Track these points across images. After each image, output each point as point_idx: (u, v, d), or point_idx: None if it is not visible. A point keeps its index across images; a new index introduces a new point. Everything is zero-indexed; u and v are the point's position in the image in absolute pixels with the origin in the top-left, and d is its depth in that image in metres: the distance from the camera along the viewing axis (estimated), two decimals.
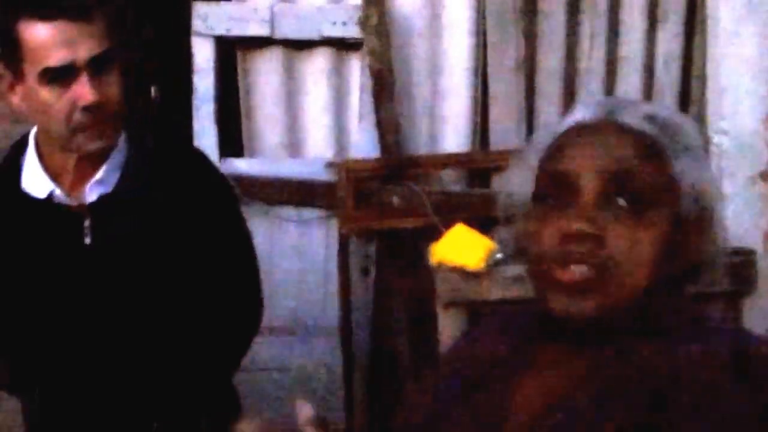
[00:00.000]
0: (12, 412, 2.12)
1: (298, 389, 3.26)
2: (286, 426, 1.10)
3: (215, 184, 2.01)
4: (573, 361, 1.13)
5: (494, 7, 3.22)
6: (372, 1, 3.16)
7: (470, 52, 3.25)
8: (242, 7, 3.27)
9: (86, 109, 1.77)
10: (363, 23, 3.17)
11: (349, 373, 3.24)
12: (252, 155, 3.33)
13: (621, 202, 1.08)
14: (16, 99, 1.82)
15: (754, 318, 2.80)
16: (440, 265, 2.82)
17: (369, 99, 3.19)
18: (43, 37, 1.74)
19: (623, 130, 1.10)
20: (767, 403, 1.03)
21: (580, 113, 1.15)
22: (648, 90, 3.25)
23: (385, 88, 3.15)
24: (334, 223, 3.21)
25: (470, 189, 3.24)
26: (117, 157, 1.89)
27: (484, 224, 2.86)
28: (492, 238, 2.81)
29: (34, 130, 1.92)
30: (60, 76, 1.76)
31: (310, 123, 3.33)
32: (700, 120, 3.05)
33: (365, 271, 3.24)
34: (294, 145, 3.34)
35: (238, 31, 3.26)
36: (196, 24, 3.26)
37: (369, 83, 3.18)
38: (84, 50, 1.75)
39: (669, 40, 3.25)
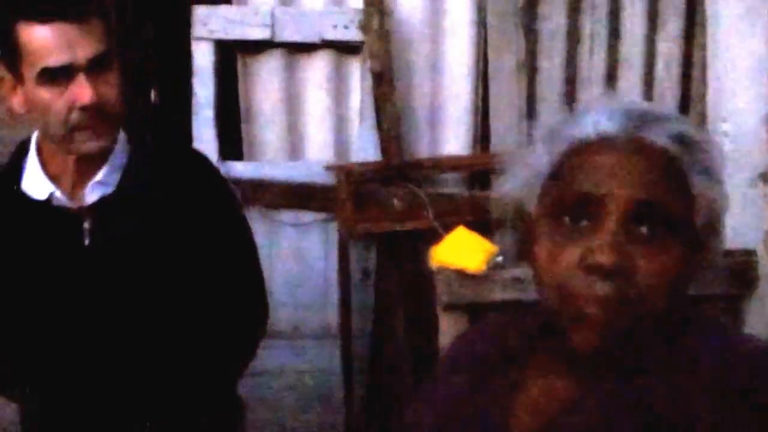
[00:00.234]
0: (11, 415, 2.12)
1: (298, 393, 3.26)
2: None
3: (216, 187, 2.01)
4: (575, 373, 1.11)
5: (495, 9, 3.23)
6: (373, 4, 3.16)
7: (471, 54, 3.26)
8: (242, 10, 3.27)
9: (84, 109, 1.78)
10: (364, 26, 3.17)
11: (348, 376, 3.24)
12: (252, 159, 3.33)
13: (644, 230, 1.04)
14: (16, 102, 1.83)
15: (755, 319, 2.79)
16: (441, 268, 2.81)
17: (369, 102, 3.19)
18: (42, 39, 1.76)
19: (651, 149, 1.06)
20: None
21: (602, 123, 1.08)
22: (648, 92, 3.26)
23: (386, 91, 3.15)
24: (334, 227, 3.20)
25: (471, 192, 3.24)
26: (117, 158, 1.90)
27: (485, 227, 2.86)
28: (492, 240, 2.81)
29: (36, 133, 1.93)
30: (58, 77, 1.77)
31: (310, 126, 3.33)
32: (701, 122, 3.04)
33: (365, 275, 3.24)
34: (294, 148, 3.34)
35: (238, 34, 3.26)
36: (196, 28, 3.26)
37: (369, 86, 3.18)
38: (82, 51, 1.76)
39: (669, 42, 3.25)
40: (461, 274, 2.77)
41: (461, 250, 2.79)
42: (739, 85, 2.95)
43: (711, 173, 1.08)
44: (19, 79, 1.81)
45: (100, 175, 1.88)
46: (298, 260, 3.25)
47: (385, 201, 3.14)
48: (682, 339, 1.10)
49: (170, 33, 3.89)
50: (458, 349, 1.29)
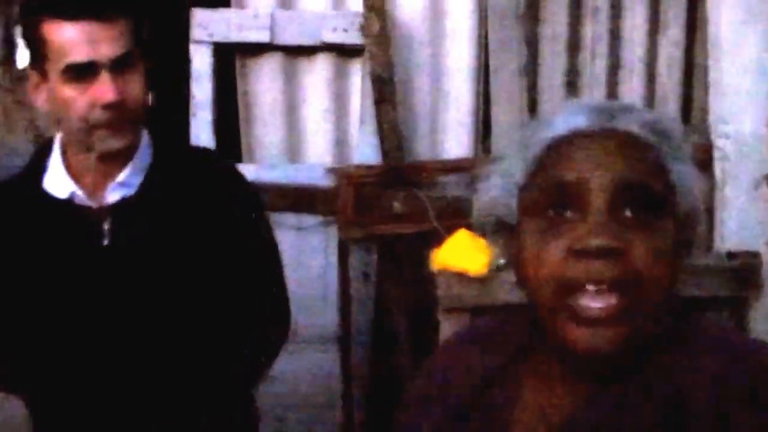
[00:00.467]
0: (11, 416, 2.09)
1: (297, 397, 3.24)
2: None
3: (240, 190, 2.00)
4: (575, 380, 1.09)
5: (496, 12, 3.23)
6: (373, 8, 3.16)
7: (472, 57, 3.26)
8: (242, 13, 3.27)
9: (106, 107, 1.79)
10: (364, 29, 3.17)
11: (348, 381, 3.22)
12: (251, 162, 3.32)
13: (628, 213, 1.02)
14: (41, 99, 1.85)
15: (760, 321, 2.79)
16: (442, 271, 2.80)
17: (370, 105, 3.18)
18: (67, 36, 1.77)
19: (627, 136, 1.05)
20: None
21: (574, 120, 1.08)
22: (650, 95, 3.27)
23: (387, 94, 3.14)
24: (334, 230, 3.20)
25: (472, 194, 3.22)
26: (140, 159, 1.90)
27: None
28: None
29: (60, 133, 1.93)
30: (82, 74, 1.78)
31: (310, 129, 3.33)
32: (703, 124, 3.05)
33: (366, 278, 3.22)
34: (294, 151, 3.33)
35: (237, 37, 3.26)
36: (195, 31, 3.25)
37: (370, 89, 3.17)
38: (106, 50, 1.78)
39: (671, 45, 3.26)
40: (463, 277, 2.76)
41: (462, 253, 2.79)
42: (740, 87, 2.96)
43: (685, 159, 1.08)
44: (43, 76, 1.82)
45: (122, 176, 1.88)
46: (298, 263, 3.23)
47: (386, 204, 3.13)
48: (682, 340, 1.09)
49: (168, 36, 3.88)
50: (424, 387, 1.24)
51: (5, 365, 1.99)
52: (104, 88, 1.77)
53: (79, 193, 1.88)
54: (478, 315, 2.78)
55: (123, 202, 1.88)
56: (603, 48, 3.27)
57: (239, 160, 3.32)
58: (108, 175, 1.88)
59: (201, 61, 3.25)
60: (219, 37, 3.25)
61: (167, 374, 1.90)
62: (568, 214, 1.04)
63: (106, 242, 1.88)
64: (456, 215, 3.04)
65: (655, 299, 1.02)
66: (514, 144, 1.12)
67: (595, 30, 3.28)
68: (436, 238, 2.92)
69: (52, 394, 1.94)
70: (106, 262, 1.88)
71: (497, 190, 1.11)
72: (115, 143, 1.84)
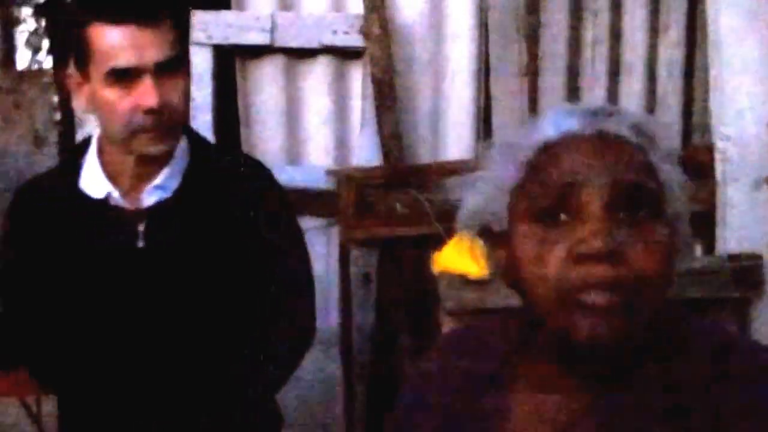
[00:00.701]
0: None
1: (299, 400, 3.23)
2: None
3: (275, 196, 2.02)
4: (573, 384, 1.09)
5: (496, 15, 3.23)
6: (374, 10, 3.16)
7: (472, 59, 3.26)
8: (242, 16, 3.27)
9: (148, 112, 1.80)
10: (364, 32, 3.17)
11: (349, 382, 3.22)
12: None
13: (622, 215, 1.02)
14: (82, 99, 1.86)
15: (762, 323, 2.79)
16: (443, 274, 2.80)
17: (370, 107, 3.18)
18: (113, 40, 1.79)
19: (618, 139, 1.06)
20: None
21: (566, 123, 1.08)
22: (651, 97, 3.27)
23: (387, 96, 3.14)
24: (335, 232, 3.20)
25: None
26: (178, 163, 1.91)
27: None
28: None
29: (97, 132, 1.95)
30: (125, 79, 1.79)
31: (310, 131, 3.32)
32: (704, 126, 3.05)
33: (367, 280, 3.22)
34: (294, 154, 3.33)
35: (237, 39, 3.26)
36: (195, 33, 3.25)
37: (370, 91, 3.17)
38: (150, 55, 1.79)
39: (671, 47, 3.26)
40: (464, 280, 2.76)
41: (464, 256, 2.78)
42: (741, 89, 2.96)
43: (672, 160, 1.08)
44: (85, 77, 1.83)
45: (159, 179, 1.89)
46: None
47: (387, 206, 3.13)
48: (682, 343, 1.09)
49: None
50: (420, 389, 1.23)
51: (39, 359, 2.00)
52: (147, 93, 1.78)
53: (115, 194, 1.90)
54: (479, 317, 2.78)
55: (159, 204, 1.89)
56: (603, 49, 3.27)
57: None
58: (145, 177, 1.89)
59: (201, 63, 3.25)
60: (219, 39, 3.25)
61: (196, 375, 1.91)
62: (563, 217, 1.04)
63: (140, 244, 1.89)
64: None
65: (653, 297, 1.03)
66: (502, 150, 1.12)
67: (595, 31, 3.28)
68: (437, 241, 2.92)
69: (83, 391, 1.95)
70: (139, 263, 1.89)
71: (484, 196, 1.11)
72: (156, 148, 1.85)
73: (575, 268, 1.01)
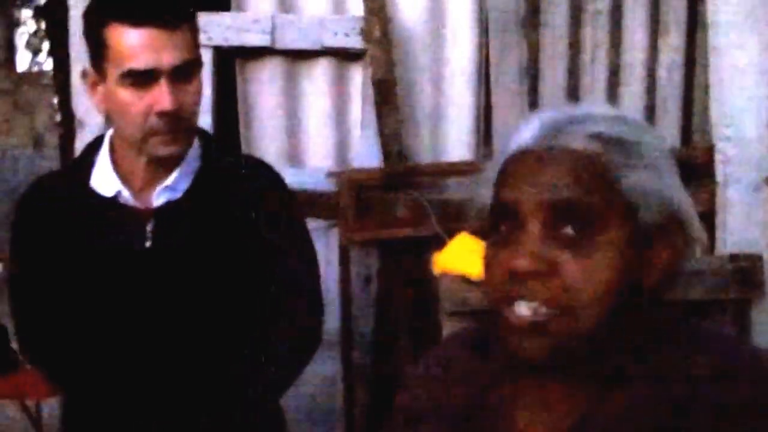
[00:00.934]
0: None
1: (298, 401, 3.23)
2: None
3: (283, 198, 2.02)
4: (570, 395, 1.10)
5: (497, 17, 3.24)
6: (374, 12, 3.16)
7: (473, 61, 3.26)
8: (242, 17, 3.27)
9: (162, 114, 1.80)
10: (365, 33, 3.17)
11: (349, 383, 3.22)
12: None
13: (568, 230, 1.04)
14: (96, 99, 1.87)
15: (762, 324, 2.79)
16: (444, 275, 2.80)
17: (371, 109, 3.19)
18: (131, 41, 1.79)
19: (564, 154, 1.05)
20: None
21: (523, 137, 1.09)
22: (651, 98, 3.27)
23: (388, 98, 3.15)
24: (336, 233, 3.19)
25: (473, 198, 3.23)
26: (190, 165, 1.92)
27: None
28: None
29: (110, 131, 1.96)
30: (141, 80, 1.80)
31: (311, 133, 3.33)
32: (704, 127, 3.05)
33: (367, 281, 3.22)
34: (295, 155, 3.33)
35: (237, 41, 3.26)
36: None
37: (371, 93, 3.18)
38: (168, 58, 1.79)
39: (671, 49, 3.27)
40: (464, 281, 2.76)
41: (464, 257, 2.79)
42: (741, 90, 2.97)
43: (647, 164, 1.07)
44: (101, 76, 1.84)
45: (170, 180, 1.89)
46: None
47: (388, 207, 3.13)
48: (681, 346, 1.09)
49: None
50: (422, 388, 1.24)
51: (48, 357, 2.01)
52: (162, 96, 1.79)
53: (125, 193, 1.90)
54: (480, 318, 2.78)
55: (168, 205, 1.90)
56: (603, 52, 3.28)
57: None
58: (156, 178, 1.90)
59: None
60: (219, 41, 3.25)
61: (200, 375, 1.91)
62: (513, 231, 1.06)
63: (148, 244, 1.89)
64: (457, 219, 3.05)
65: (589, 313, 1.03)
66: (497, 153, 1.15)
67: (595, 34, 3.28)
68: (437, 242, 2.92)
69: (90, 389, 1.96)
70: (147, 263, 1.90)
71: (485, 192, 1.13)
72: (168, 150, 1.85)
73: (510, 281, 1.04)
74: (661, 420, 1.04)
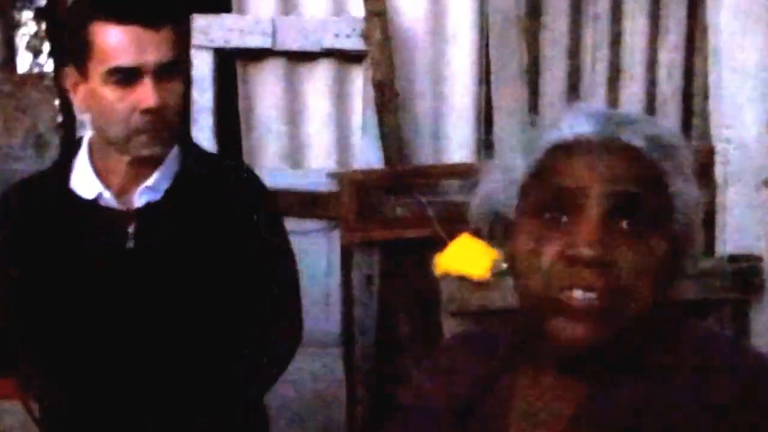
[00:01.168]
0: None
1: (300, 402, 3.24)
2: None
3: (262, 200, 2.01)
4: (567, 392, 1.10)
5: (497, 18, 3.24)
6: (375, 13, 3.17)
7: (473, 62, 3.27)
8: (243, 19, 3.28)
9: (146, 113, 1.80)
10: (366, 35, 3.17)
11: (351, 384, 3.22)
12: (252, 167, 3.32)
13: (624, 224, 1.05)
14: (79, 98, 1.86)
15: (761, 324, 2.80)
16: (445, 276, 2.81)
17: (371, 110, 3.19)
18: (115, 39, 1.78)
19: (628, 149, 1.07)
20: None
21: (578, 126, 1.10)
22: (651, 100, 3.28)
23: (388, 99, 3.15)
24: (337, 234, 3.20)
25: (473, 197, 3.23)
26: (170, 165, 1.91)
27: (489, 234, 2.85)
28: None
29: (89, 133, 1.94)
30: (125, 78, 1.79)
31: (311, 134, 3.33)
32: (704, 129, 3.06)
33: (368, 282, 3.23)
34: (296, 157, 3.34)
35: (238, 43, 3.27)
36: (196, 37, 3.26)
37: (371, 94, 3.18)
38: (152, 56, 1.78)
39: (671, 51, 3.27)
40: (465, 281, 2.77)
41: (465, 257, 2.80)
42: (741, 92, 2.97)
43: (686, 175, 1.10)
44: (84, 75, 1.82)
45: (151, 181, 1.88)
46: (300, 268, 3.23)
47: (388, 208, 3.14)
48: (679, 345, 1.10)
49: None
50: (424, 387, 1.25)
51: (25, 363, 1.99)
52: (146, 94, 1.78)
53: (106, 194, 1.89)
54: (481, 319, 2.79)
55: (149, 206, 1.89)
56: (603, 53, 3.28)
57: None
58: (137, 179, 1.89)
59: (202, 66, 3.26)
60: (220, 43, 3.26)
61: (183, 376, 1.91)
62: (564, 218, 1.06)
63: (130, 245, 1.88)
64: (458, 220, 3.04)
65: (635, 309, 1.04)
66: (519, 142, 1.14)
67: (595, 35, 3.29)
68: (438, 243, 2.93)
69: (70, 392, 1.94)
70: (129, 264, 1.88)
71: (497, 184, 1.13)
72: (153, 150, 1.84)
73: (564, 268, 1.04)
74: (657, 417, 1.04)
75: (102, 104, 1.82)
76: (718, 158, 2.96)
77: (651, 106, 3.27)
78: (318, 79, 3.31)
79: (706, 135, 3.08)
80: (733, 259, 2.83)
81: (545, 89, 3.30)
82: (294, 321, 2.05)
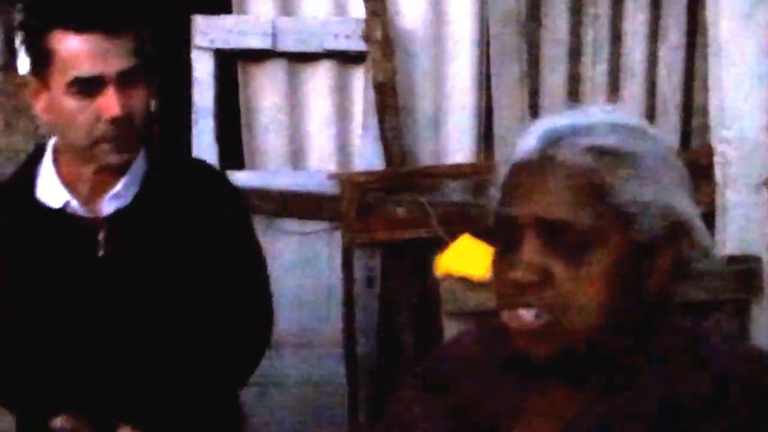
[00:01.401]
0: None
1: (302, 402, 3.24)
2: None
3: (230, 201, 2.00)
4: (568, 400, 1.12)
5: (497, 19, 3.24)
6: (376, 14, 3.17)
7: (474, 63, 3.27)
8: (243, 20, 3.28)
9: (110, 121, 1.77)
10: (367, 36, 3.18)
11: (353, 385, 3.23)
12: (253, 168, 3.33)
13: (562, 244, 1.07)
14: (40, 107, 1.83)
15: (761, 325, 2.80)
16: (446, 276, 2.81)
17: (372, 111, 3.19)
18: (75, 48, 1.76)
19: (561, 168, 1.08)
20: None
21: (525, 147, 1.12)
22: (651, 100, 3.28)
23: (389, 100, 3.16)
24: (338, 235, 3.20)
25: (475, 200, 3.24)
26: (136, 171, 1.88)
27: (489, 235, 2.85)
28: None
29: (52, 141, 1.92)
30: (87, 88, 1.77)
31: (312, 135, 3.34)
32: (704, 130, 3.06)
33: (370, 283, 3.23)
34: (297, 158, 3.34)
35: (238, 44, 3.27)
36: (196, 37, 3.26)
37: (372, 95, 3.18)
38: (113, 64, 1.76)
39: (671, 51, 3.27)
40: (466, 282, 2.77)
41: (466, 258, 2.80)
42: (740, 92, 2.97)
43: (646, 175, 1.08)
44: (45, 84, 1.80)
45: (118, 188, 1.86)
46: (301, 269, 3.24)
47: (389, 209, 3.14)
48: (679, 346, 1.11)
49: (169, 42, 3.89)
50: (428, 377, 1.28)
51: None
52: (110, 103, 1.76)
53: (74, 203, 1.87)
54: (482, 320, 2.78)
55: (117, 213, 1.87)
56: (604, 53, 3.28)
57: (241, 167, 3.33)
58: (103, 186, 1.86)
59: (202, 68, 3.26)
60: (220, 44, 3.26)
61: (157, 379, 1.90)
62: (512, 244, 1.10)
63: (101, 253, 1.87)
64: (459, 221, 3.06)
65: (585, 321, 1.07)
66: (502, 159, 1.21)
67: (595, 35, 3.29)
68: (439, 244, 2.93)
69: (44, 403, 1.91)
70: (100, 272, 1.87)
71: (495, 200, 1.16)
72: (118, 158, 1.82)
73: (510, 289, 1.09)
74: (660, 421, 1.05)
75: (65, 114, 1.79)
76: (717, 159, 2.96)
77: (651, 106, 3.27)
78: (318, 80, 3.32)
79: (705, 135, 3.09)
80: (732, 259, 2.83)
81: (545, 89, 3.30)
82: (264, 322, 2.04)
